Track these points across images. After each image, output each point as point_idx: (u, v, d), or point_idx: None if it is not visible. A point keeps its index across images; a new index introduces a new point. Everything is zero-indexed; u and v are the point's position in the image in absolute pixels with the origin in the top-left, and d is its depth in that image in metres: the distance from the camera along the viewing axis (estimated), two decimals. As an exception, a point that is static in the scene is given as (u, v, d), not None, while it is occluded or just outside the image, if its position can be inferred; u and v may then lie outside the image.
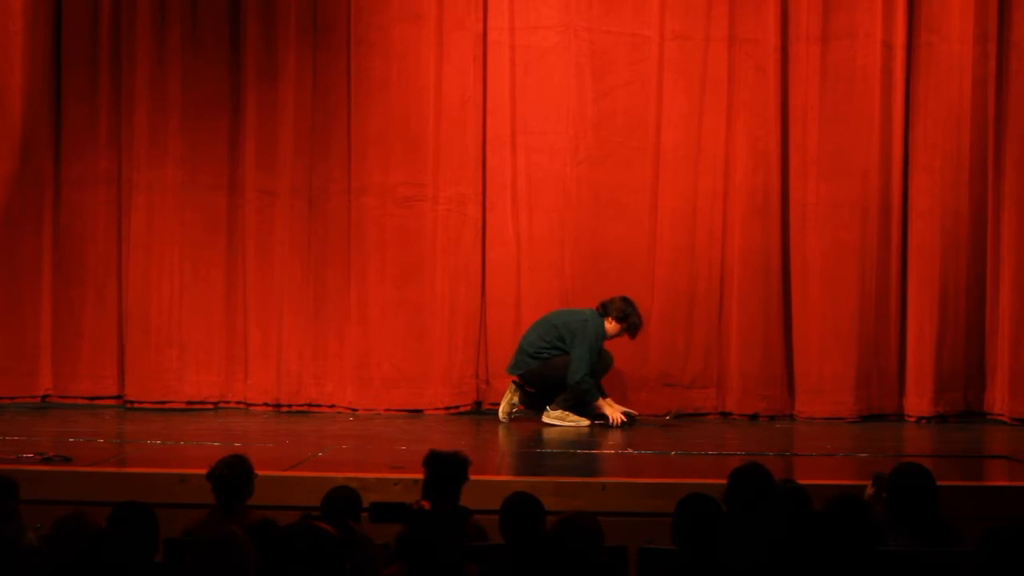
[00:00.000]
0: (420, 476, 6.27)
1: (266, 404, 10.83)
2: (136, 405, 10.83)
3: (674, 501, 5.35)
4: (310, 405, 10.83)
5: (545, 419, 10.08)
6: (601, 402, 10.11)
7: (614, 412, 10.05)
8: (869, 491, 6.13)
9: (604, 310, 10.15)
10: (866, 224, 10.76)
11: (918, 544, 5.51)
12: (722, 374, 10.84)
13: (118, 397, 10.93)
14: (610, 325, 10.14)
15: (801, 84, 10.77)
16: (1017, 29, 10.63)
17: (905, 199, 10.80)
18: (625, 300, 10.18)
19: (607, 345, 10.23)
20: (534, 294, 10.83)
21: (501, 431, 10.06)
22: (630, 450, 9.09)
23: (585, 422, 10.07)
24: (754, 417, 10.81)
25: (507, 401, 10.28)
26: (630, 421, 10.09)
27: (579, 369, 9.98)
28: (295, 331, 10.83)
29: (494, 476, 7.78)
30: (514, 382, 10.29)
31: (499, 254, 10.89)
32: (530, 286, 10.87)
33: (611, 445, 9.29)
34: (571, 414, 10.07)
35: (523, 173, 10.88)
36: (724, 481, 5.82)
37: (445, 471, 6.17)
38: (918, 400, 10.70)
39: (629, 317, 10.14)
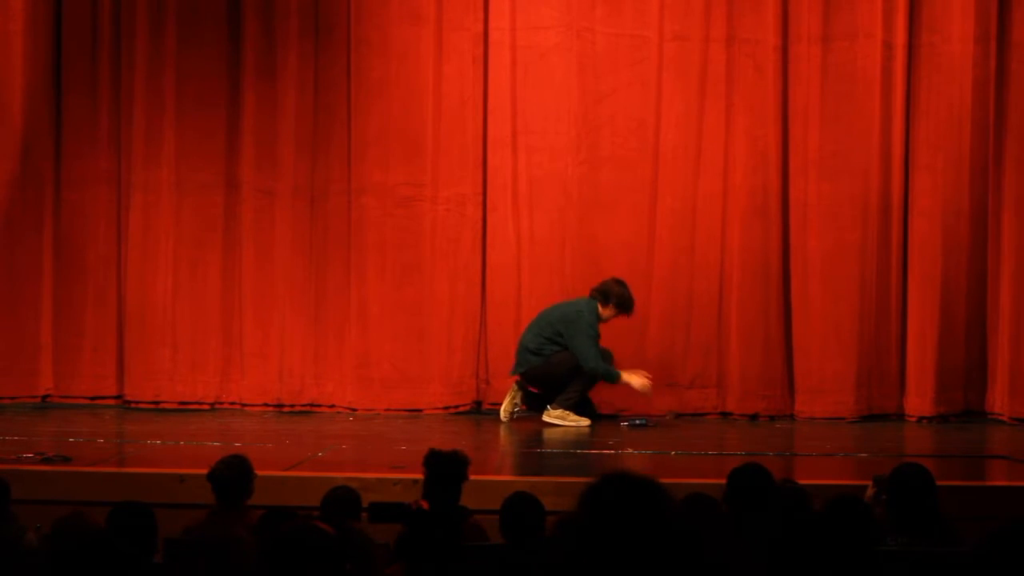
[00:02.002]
0: (420, 476, 6.27)
1: (265, 404, 10.82)
2: (136, 405, 10.83)
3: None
4: (309, 405, 10.83)
5: (546, 418, 10.07)
6: (625, 375, 10.07)
7: (640, 379, 10.04)
8: (870, 492, 6.13)
9: (603, 297, 10.14)
10: (867, 224, 10.75)
11: (918, 544, 5.51)
12: (722, 374, 10.84)
13: (119, 397, 10.93)
14: (606, 310, 10.14)
15: (802, 84, 10.77)
16: (1017, 29, 10.63)
17: (906, 199, 10.80)
18: (619, 283, 10.18)
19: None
20: (534, 294, 10.82)
21: (501, 431, 10.06)
22: (630, 450, 9.09)
23: (585, 422, 10.07)
24: (754, 417, 10.80)
25: (509, 400, 10.28)
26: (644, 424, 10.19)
27: (587, 358, 9.96)
28: (295, 331, 10.83)
29: (494, 476, 7.78)
30: (517, 382, 10.29)
31: (499, 254, 10.89)
32: (530, 286, 10.87)
33: (611, 445, 9.28)
34: (571, 414, 10.07)
35: (524, 173, 10.88)
36: (724, 481, 5.82)
37: (445, 470, 6.17)
38: (919, 400, 10.70)
39: (625, 301, 10.14)
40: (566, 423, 10.03)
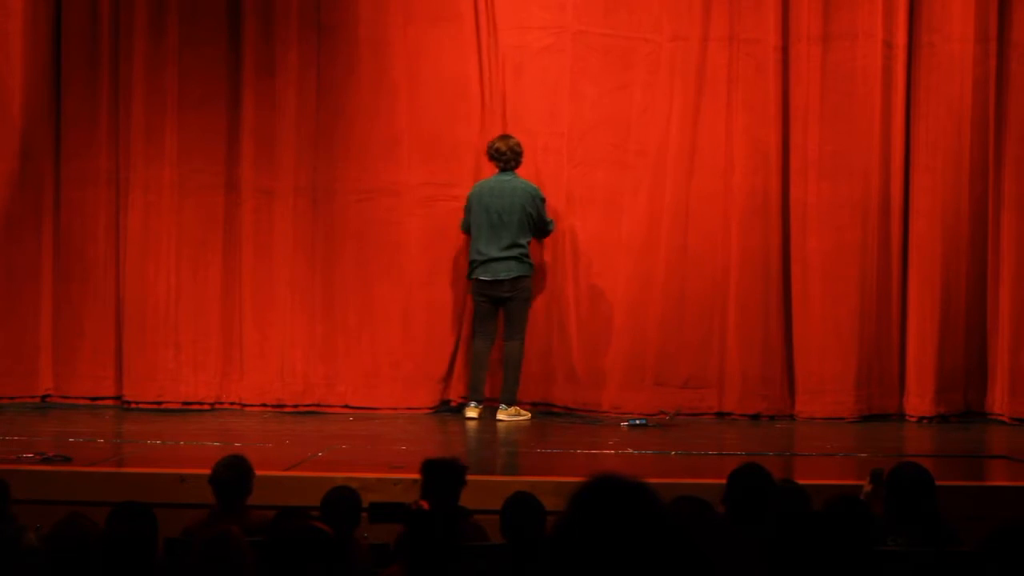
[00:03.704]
0: (419, 477, 6.26)
1: (264, 405, 10.81)
2: (135, 405, 10.82)
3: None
4: (310, 405, 10.82)
5: (502, 416, 10.19)
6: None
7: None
8: (867, 487, 6.13)
9: (516, 162, 10.37)
10: (867, 224, 10.75)
11: (917, 543, 5.51)
12: (722, 374, 10.83)
13: (118, 397, 10.92)
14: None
15: (802, 84, 10.77)
16: (1017, 29, 10.64)
17: (906, 199, 10.80)
18: (505, 137, 10.42)
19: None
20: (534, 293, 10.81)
21: (501, 431, 10.05)
22: (630, 450, 9.09)
23: (528, 414, 10.30)
24: (754, 417, 10.80)
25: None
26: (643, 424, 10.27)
27: (550, 223, 10.47)
28: (295, 331, 10.82)
29: (494, 476, 7.78)
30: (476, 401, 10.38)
31: (499, 254, 10.87)
32: (530, 286, 10.86)
33: (611, 445, 9.28)
34: (522, 409, 10.28)
35: (523, 173, 10.86)
36: (724, 481, 5.82)
37: (442, 479, 6.13)
38: (918, 400, 10.70)
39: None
40: (520, 417, 10.20)
